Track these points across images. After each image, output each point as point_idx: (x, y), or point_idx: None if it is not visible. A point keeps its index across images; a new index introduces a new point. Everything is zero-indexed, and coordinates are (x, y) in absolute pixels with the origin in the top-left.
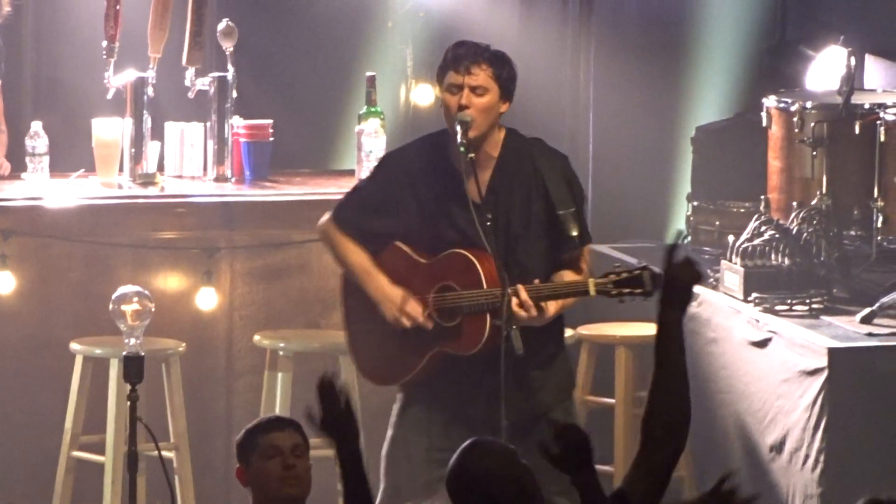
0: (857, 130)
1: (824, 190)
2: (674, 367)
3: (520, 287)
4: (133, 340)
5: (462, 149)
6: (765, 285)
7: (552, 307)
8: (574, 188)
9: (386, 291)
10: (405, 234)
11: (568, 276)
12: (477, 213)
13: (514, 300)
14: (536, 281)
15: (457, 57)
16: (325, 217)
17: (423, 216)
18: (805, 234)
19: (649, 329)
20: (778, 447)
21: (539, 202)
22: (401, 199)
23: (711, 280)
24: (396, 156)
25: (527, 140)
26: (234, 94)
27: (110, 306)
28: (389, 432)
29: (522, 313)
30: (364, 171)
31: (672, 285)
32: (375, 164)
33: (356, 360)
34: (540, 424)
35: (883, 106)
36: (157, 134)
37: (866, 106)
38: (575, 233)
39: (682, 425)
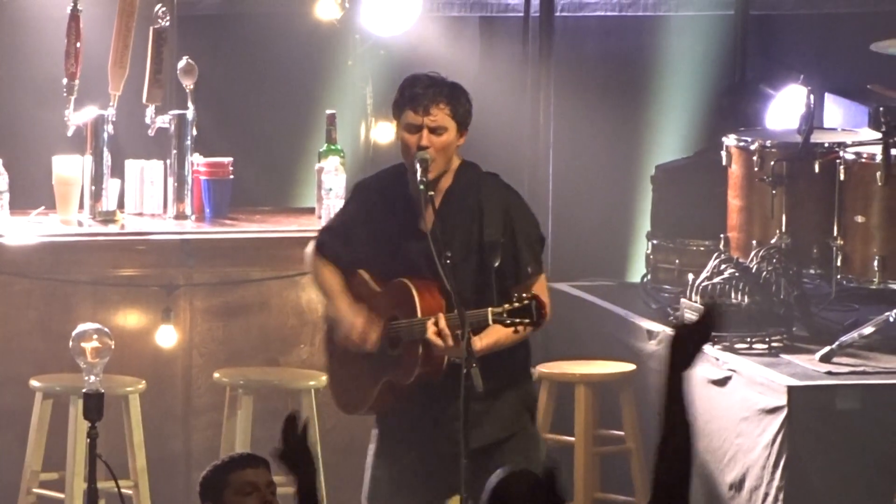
0: (816, 169)
1: (784, 228)
2: (673, 423)
3: (440, 315)
4: (93, 378)
5: (422, 187)
6: (724, 324)
7: (480, 342)
8: (516, 221)
9: (344, 311)
10: (366, 262)
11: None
12: (435, 246)
13: (432, 328)
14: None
15: (414, 96)
16: (312, 242)
17: (378, 246)
18: (764, 273)
19: (609, 367)
20: (737, 485)
21: (476, 234)
22: (361, 230)
23: (672, 318)
24: (361, 186)
25: (481, 174)
26: (194, 132)
27: (70, 343)
28: (367, 474)
29: (438, 341)
30: (324, 209)
31: (676, 347)
32: (349, 191)
33: (331, 388)
34: (494, 455)
35: (842, 145)
36: (117, 171)
37: (826, 145)
38: (497, 263)
39: (685, 476)
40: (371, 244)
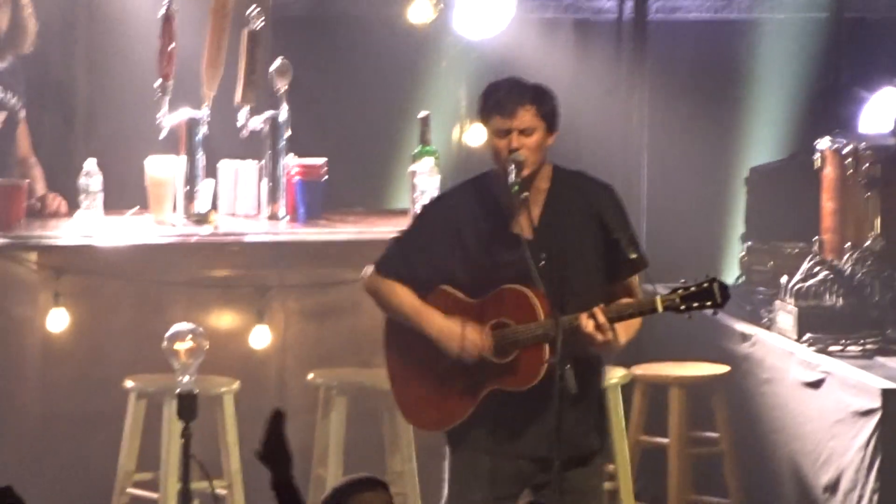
0: None
1: (878, 231)
2: None
3: (597, 310)
4: (186, 378)
5: (515, 188)
6: (818, 326)
7: (623, 336)
8: (625, 215)
9: (442, 326)
10: (450, 279)
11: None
12: (530, 250)
13: (591, 323)
14: (601, 306)
15: (499, 101)
16: (369, 270)
17: (470, 260)
18: (858, 275)
19: (702, 369)
20: (832, 488)
21: (592, 231)
22: (445, 246)
23: (765, 320)
24: (438, 203)
25: (571, 173)
26: (288, 133)
27: (164, 344)
28: (446, 492)
29: (599, 336)
30: (418, 210)
31: None
32: (417, 213)
33: (403, 408)
34: (590, 464)
35: None
36: (211, 172)
37: None
38: (634, 255)
39: None
40: (458, 257)
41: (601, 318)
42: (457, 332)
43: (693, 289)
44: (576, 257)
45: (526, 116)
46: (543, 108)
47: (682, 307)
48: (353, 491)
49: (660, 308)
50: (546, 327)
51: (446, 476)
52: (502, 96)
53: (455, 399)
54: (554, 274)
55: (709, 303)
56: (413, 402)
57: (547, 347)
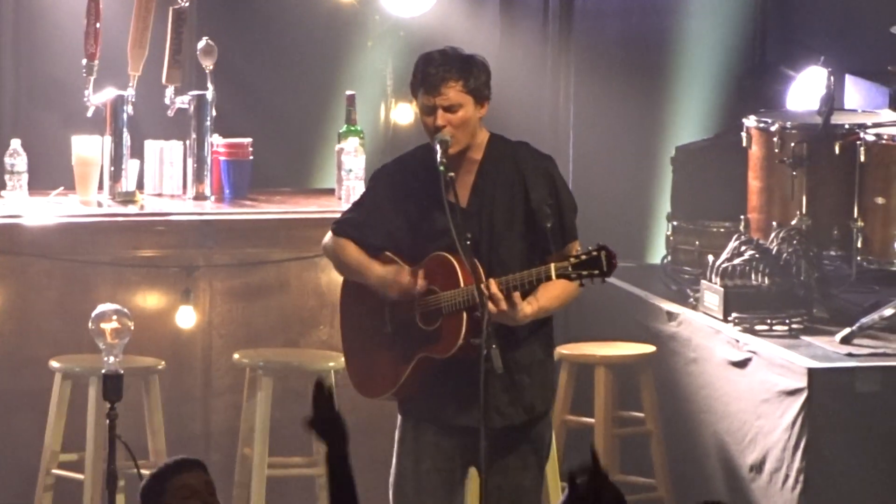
0: (836, 151)
1: (804, 210)
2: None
3: (491, 281)
4: (112, 358)
5: (441, 168)
6: (745, 305)
7: (528, 307)
8: (558, 187)
9: (379, 273)
10: (396, 245)
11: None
12: (453, 218)
13: (484, 293)
14: (519, 274)
15: (426, 77)
16: (328, 236)
17: (411, 227)
18: (785, 254)
19: (628, 349)
20: (758, 467)
21: (520, 201)
22: (388, 213)
23: (691, 300)
24: (383, 172)
25: (511, 143)
26: (214, 113)
27: (89, 324)
28: (394, 461)
29: (492, 307)
30: (343, 190)
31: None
32: (369, 180)
33: (351, 375)
34: (534, 429)
35: (862, 126)
36: (137, 152)
37: (846, 126)
38: (549, 224)
39: None
40: (401, 225)
41: (493, 288)
42: (388, 278)
43: (583, 257)
44: (505, 227)
45: (450, 93)
46: (471, 83)
47: (573, 275)
48: (171, 474)
49: (553, 275)
50: (465, 294)
51: (395, 446)
52: (430, 71)
53: (392, 366)
54: (483, 243)
55: (596, 272)
56: (360, 371)
57: (465, 315)
